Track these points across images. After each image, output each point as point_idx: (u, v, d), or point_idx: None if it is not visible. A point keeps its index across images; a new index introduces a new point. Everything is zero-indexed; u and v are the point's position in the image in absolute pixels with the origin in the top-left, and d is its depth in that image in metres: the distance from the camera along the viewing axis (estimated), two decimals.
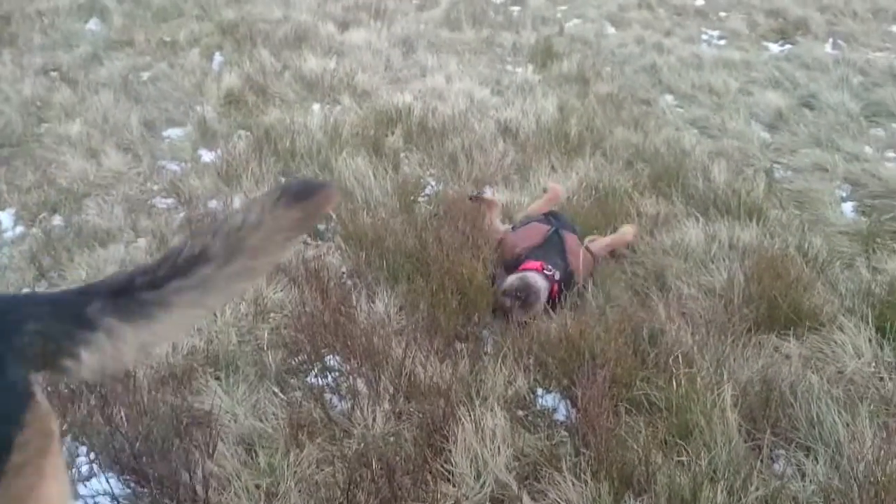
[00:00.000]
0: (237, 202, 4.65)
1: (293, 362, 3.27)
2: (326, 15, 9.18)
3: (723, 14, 10.99)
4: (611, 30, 9.96)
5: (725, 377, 2.84)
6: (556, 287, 3.61)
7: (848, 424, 2.70)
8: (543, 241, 3.79)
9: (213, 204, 4.71)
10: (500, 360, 3.12)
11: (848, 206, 5.09)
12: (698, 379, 2.76)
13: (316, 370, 3.21)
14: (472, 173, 5.06)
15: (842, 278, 3.93)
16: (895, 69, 7.72)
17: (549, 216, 4.03)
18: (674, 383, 2.73)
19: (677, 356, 2.89)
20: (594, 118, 6.09)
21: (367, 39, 8.11)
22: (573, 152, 5.40)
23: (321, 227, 4.54)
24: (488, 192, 4.77)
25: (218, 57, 7.51)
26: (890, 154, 5.94)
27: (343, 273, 4.00)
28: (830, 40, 9.67)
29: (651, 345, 3.08)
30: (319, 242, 4.36)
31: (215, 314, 3.60)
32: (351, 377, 3.10)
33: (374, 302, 3.64)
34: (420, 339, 3.30)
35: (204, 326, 3.53)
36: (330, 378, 3.14)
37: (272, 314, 3.66)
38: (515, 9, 10.88)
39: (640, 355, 2.99)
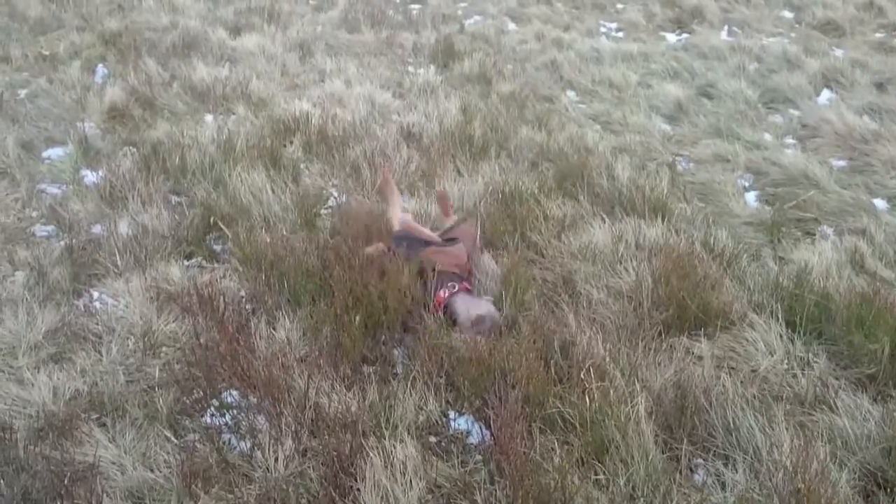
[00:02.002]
0: (123, 227, 4.33)
1: (187, 401, 3.02)
2: (217, 20, 8.83)
3: (620, 6, 11.13)
4: (511, 26, 9.95)
5: (639, 387, 2.76)
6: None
7: (765, 429, 2.66)
8: None
9: (96, 230, 4.39)
10: (409, 383, 2.96)
11: (751, 196, 5.15)
12: (611, 392, 2.67)
13: (212, 408, 2.97)
14: (375, 182, 4.87)
15: (749, 271, 3.94)
16: (788, 54, 7.93)
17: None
18: (587, 398, 2.63)
19: (589, 368, 2.79)
20: (498, 118, 6.00)
21: (261, 44, 7.82)
22: (478, 155, 5.29)
23: (216, 247, 4.30)
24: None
25: (101, 69, 7.08)
26: (789, 140, 6.08)
27: (241, 298, 3.76)
28: (726, 28, 9.92)
29: (563, 357, 2.98)
30: (214, 265, 4.10)
31: (100, 352, 3.33)
32: (250, 414, 2.88)
33: (274, 328, 3.42)
34: (324, 366, 3.11)
35: (88, 367, 3.25)
36: (228, 416, 2.92)
37: (163, 348, 3.40)
38: (415, 7, 10.75)
39: (552, 369, 2.88)
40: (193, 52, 7.46)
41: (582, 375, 2.75)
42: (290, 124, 5.69)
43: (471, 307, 3.39)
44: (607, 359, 2.91)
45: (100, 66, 7.18)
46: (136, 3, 9.40)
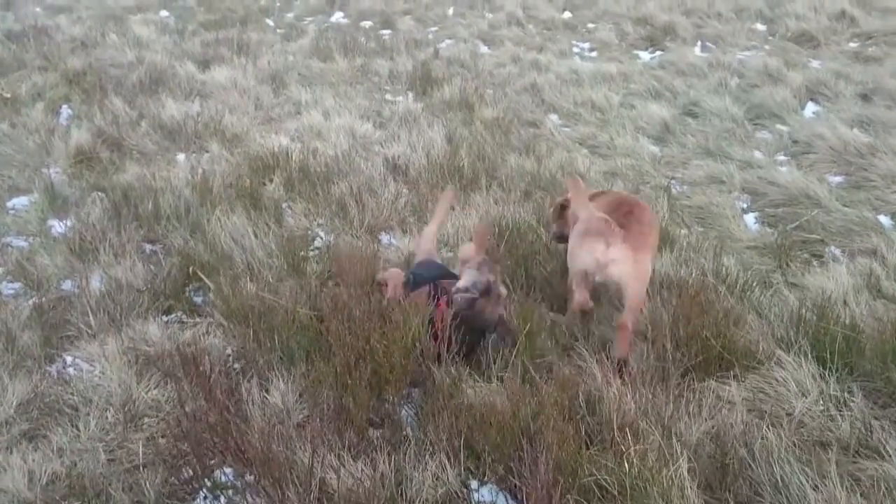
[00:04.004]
0: (95, 281, 4.03)
1: (176, 482, 2.73)
2: (184, 53, 8.56)
3: (591, 25, 11.05)
4: (484, 49, 9.80)
5: (678, 447, 2.52)
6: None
7: (816, 485, 2.43)
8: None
9: (67, 286, 4.08)
10: (423, 449, 2.70)
11: (750, 218, 4.98)
12: (649, 455, 2.43)
13: (205, 490, 2.68)
14: (364, 219, 4.63)
15: (765, 302, 3.74)
16: (769, 68, 7.84)
17: None
18: (625, 462, 2.39)
19: (623, 428, 2.55)
20: (484, 146, 5.80)
21: (231, 77, 7.56)
22: (469, 186, 5.07)
23: (197, 299, 4.01)
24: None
25: (65, 110, 6.77)
26: (780, 157, 5.93)
27: (228, 356, 3.47)
28: (699, 43, 9.84)
29: (590, 413, 2.74)
30: (196, 320, 3.81)
31: (78, 427, 3.03)
32: (248, 495, 2.60)
33: (268, 391, 3.14)
34: (327, 433, 2.84)
35: (65, 444, 2.95)
36: (223, 500, 2.63)
37: (146, 419, 3.11)
38: (386, 32, 10.57)
39: (580, 428, 2.63)
40: (161, 88, 7.18)
41: (616, 436, 2.50)
42: (268, 161, 5.42)
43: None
44: (637, 413, 2.67)
45: (64, 107, 6.87)
46: (100, 39, 9.10)
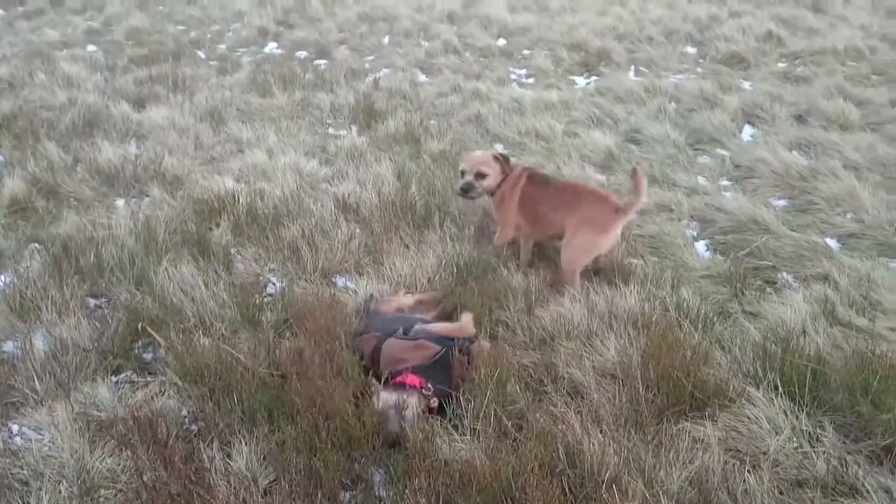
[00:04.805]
0: (38, 341, 3.81)
1: None
2: (117, 92, 8.28)
3: (526, 52, 11.15)
4: (422, 77, 9.77)
5: (663, 499, 2.48)
6: (430, 409, 3.16)
7: None
8: (431, 362, 3.30)
9: (8, 347, 3.85)
10: None
11: (701, 246, 5.04)
12: None
13: None
14: (318, 263, 4.51)
15: (727, 334, 3.76)
16: (705, 92, 8.00)
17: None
18: None
19: (607, 482, 2.49)
20: (434, 181, 5.73)
21: (168, 116, 7.33)
22: (422, 224, 4.98)
23: (147, 356, 3.82)
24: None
25: None
26: (724, 182, 6.03)
27: (184, 418, 3.31)
28: (632, 68, 10.02)
29: (570, 465, 2.68)
30: (148, 378, 3.63)
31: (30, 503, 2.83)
32: None
33: (230, 456, 2.99)
34: (297, 499, 2.72)
35: None
36: None
37: (102, 491, 2.93)
38: (322, 62, 10.46)
39: (563, 484, 2.57)
40: (96, 131, 6.93)
41: (602, 493, 2.44)
42: (213, 204, 5.25)
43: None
44: (619, 464, 2.62)
45: None
46: (27, 79, 8.74)
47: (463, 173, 4.68)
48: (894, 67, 9.09)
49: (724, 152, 6.66)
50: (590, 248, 4.22)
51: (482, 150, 5.02)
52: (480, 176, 4.59)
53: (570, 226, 4.24)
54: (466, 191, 4.63)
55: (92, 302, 4.27)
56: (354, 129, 7.29)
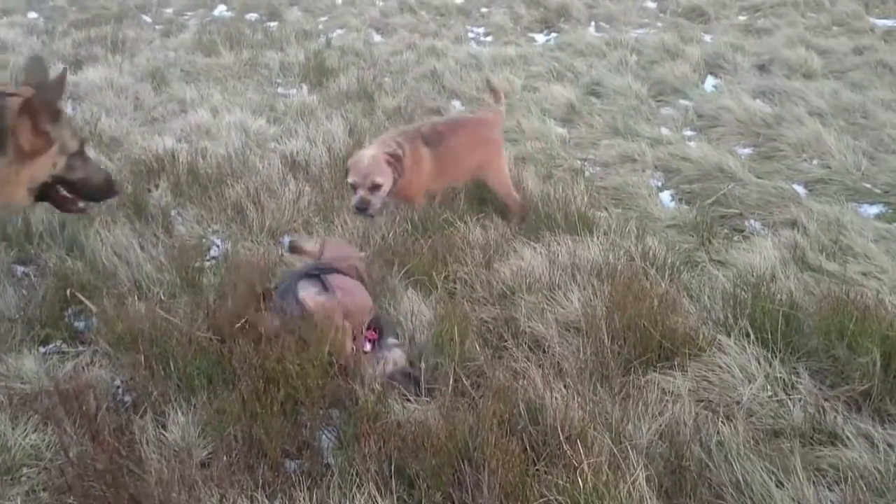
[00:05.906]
0: None
1: None
2: (54, 54, 7.86)
3: (484, 10, 10.86)
4: (377, 37, 9.46)
5: (632, 454, 2.29)
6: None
7: (781, 483, 2.25)
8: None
9: None
10: (350, 481, 2.38)
11: (666, 196, 4.87)
12: (605, 469, 2.19)
13: None
14: (264, 223, 4.24)
15: (695, 283, 3.59)
16: (666, 44, 7.81)
17: None
18: (578, 479, 2.13)
19: (571, 438, 2.30)
20: None
21: (106, 77, 6.93)
22: None
23: (78, 324, 3.54)
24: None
25: None
26: (688, 132, 5.87)
27: (117, 388, 3.05)
28: (593, 24, 9.81)
29: (532, 422, 2.48)
30: (79, 348, 3.35)
31: None
32: None
33: (165, 427, 2.74)
34: (237, 471, 2.49)
35: None
36: None
37: (24, 469, 2.67)
38: (273, 24, 10.08)
39: (524, 442, 2.37)
40: None
41: (565, 448, 2.25)
42: (152, 165, 4.94)
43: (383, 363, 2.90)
44: (585, 418, 2.43)
45: None
46: None
47: (354, 188, 3.90)
48: (854, 18, 8.98)
49: (687, 103, 6.49)
50: (503, 160, 4.46)
51: (370, 150, 3.98)
52: (375, 188, 3.86)
53: (482, 158, 4.31)
54: (363, 210, 3.89)
55: (19, 269, 3.96)
56: (305, 87, 6.97)
